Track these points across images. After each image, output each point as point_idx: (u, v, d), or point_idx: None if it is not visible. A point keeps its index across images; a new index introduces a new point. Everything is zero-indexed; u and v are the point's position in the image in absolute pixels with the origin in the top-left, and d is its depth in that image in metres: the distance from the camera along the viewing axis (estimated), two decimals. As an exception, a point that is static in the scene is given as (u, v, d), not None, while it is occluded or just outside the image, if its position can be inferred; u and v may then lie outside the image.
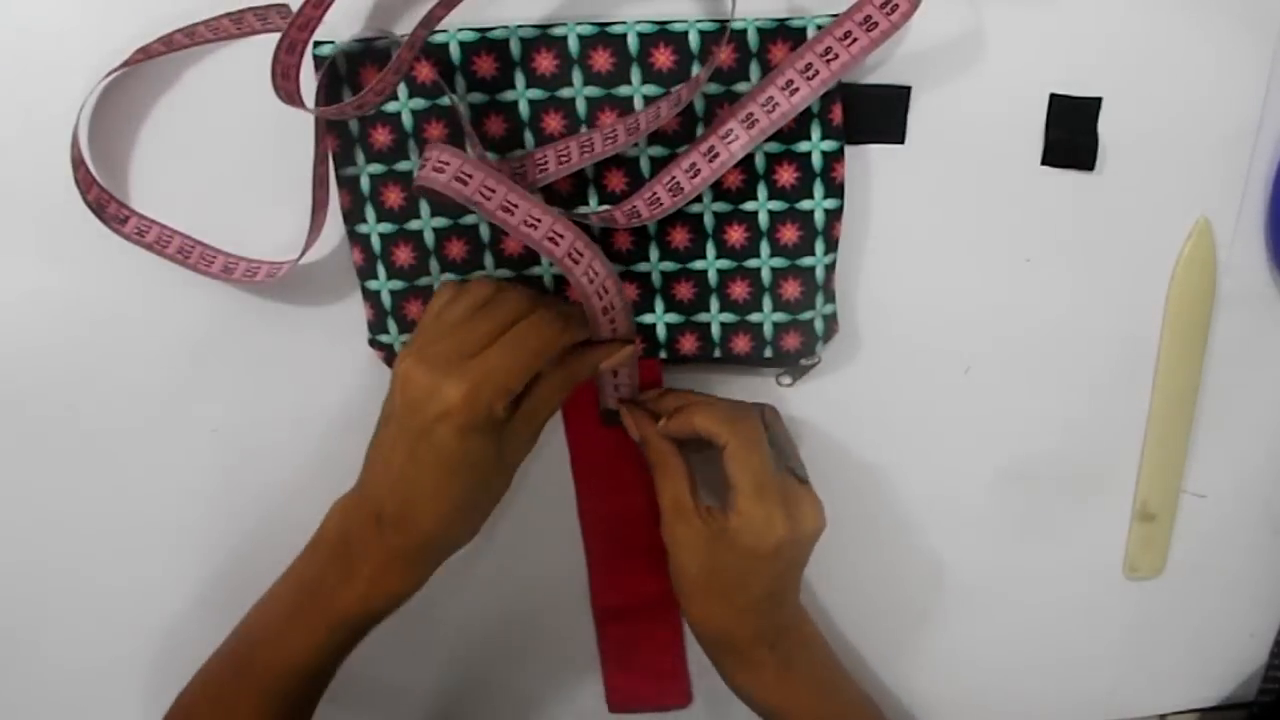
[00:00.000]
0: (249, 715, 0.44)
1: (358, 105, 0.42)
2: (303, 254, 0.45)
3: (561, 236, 0.41)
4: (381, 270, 0.47)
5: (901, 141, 0.47)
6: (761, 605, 0.47)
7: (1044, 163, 0.48)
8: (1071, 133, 0.47)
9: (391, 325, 0.48)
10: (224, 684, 0.46)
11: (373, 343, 0.48)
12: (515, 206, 0.41)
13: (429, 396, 0.40)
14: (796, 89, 0.43)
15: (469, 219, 0.46)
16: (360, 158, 0.45)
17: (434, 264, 0.47)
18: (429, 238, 0.47)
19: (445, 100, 0.44)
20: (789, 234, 0.47)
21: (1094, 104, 0.46)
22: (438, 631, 0.56)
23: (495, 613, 0.56)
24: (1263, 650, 0.60)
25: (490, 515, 0.45)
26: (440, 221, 0.46)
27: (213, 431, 0.50)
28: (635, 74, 0.44)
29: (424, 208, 0.46)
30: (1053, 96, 0.46)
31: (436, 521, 0.42)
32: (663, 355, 0.49)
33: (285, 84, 0.41)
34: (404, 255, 0.47)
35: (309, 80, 0.43)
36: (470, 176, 0.40)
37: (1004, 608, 0.57)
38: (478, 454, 0.41)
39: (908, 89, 0.46)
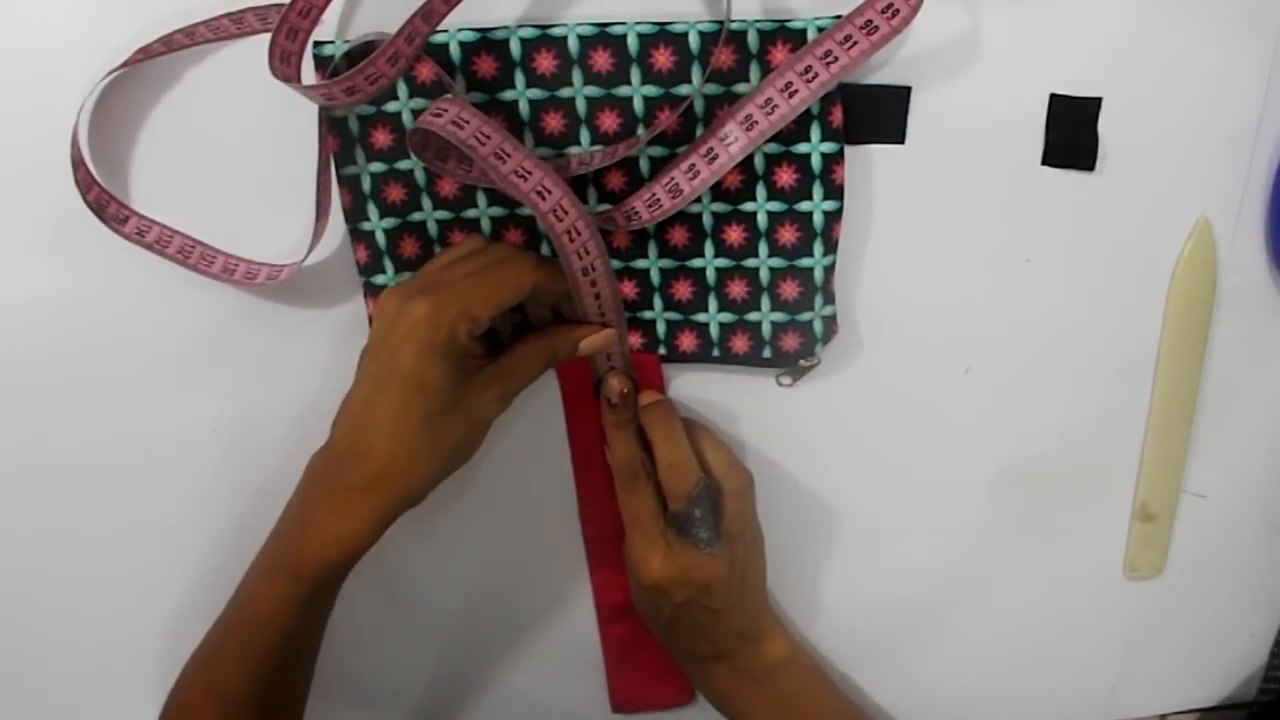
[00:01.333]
0: (232, 673, 0.45)
1: (347, 88, 0.42)
2: (305, 257, 0.45)
3: (549, 192, 0.42)
4: (388, 264, 0.47)
5: (901, 141, 0.47)
6: (675, 632, 0.50)
7: (1044, 163, 0.47)
8: (1071, 133, 0.47)
9: None
10: (210, 646, 0.47)
11: None
12: (508, 155, 0.41)
13: (397, 317, 0.42)
14: (796, 91, 0.43)
15: (470, 212, 0.47)
16: (361, 157, 0.45)
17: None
18: (432, 228, 0.47)
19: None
20: (787, 235, 0.47)
21: (1094, 104, 0.46)
22: (439, 632, 0.56)
23: (497, 613, 0.56)
24: (1263, 650, 0.60)
25: (449, 477, 0.45)
26: (443, 214, 0.46)
27: (212, 431, 0.50)
28: (635, 74, 0.44)
29: (426, 200, 0.46)
30: (1053, 96, 0.46)
31: (385, 450, 0.42)
32: (661, 351, 0.49)
33: (283, 68, 0.41)
34: (410, 248, 0.47)
35: (309, 81, 0.43)
36: (466, 122, 0.41)
37: (1004, 608, 0.57)
38: (435, 378, 0.42)
39: (908, 89, 0.46)
